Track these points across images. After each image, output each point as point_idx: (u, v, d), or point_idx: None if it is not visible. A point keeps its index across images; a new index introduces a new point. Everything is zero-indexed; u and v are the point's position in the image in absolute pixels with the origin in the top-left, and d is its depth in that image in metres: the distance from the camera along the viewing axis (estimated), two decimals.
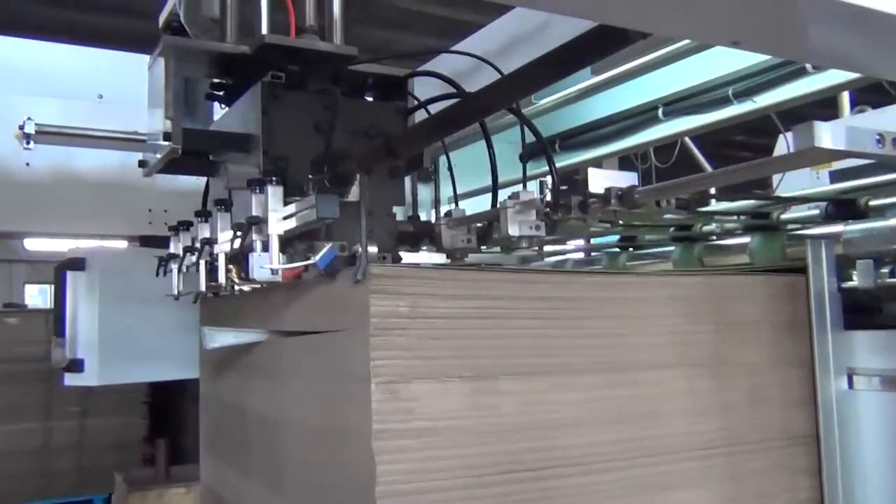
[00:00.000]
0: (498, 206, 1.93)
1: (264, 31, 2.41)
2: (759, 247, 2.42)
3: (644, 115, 3.30)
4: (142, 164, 2.40)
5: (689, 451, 1.94)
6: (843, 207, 2.53)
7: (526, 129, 2.38)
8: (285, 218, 1.78)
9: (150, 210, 3.37)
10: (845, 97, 5.45)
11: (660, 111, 3.23)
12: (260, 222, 1.81)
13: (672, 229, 3.00)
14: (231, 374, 2.53)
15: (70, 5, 6.50)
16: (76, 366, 3.07)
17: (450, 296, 1.71)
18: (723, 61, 2.90)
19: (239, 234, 1.89)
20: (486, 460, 1.71)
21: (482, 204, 3.32)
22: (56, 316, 3.11)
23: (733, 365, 2.03)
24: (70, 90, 3.26)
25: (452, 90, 2.25)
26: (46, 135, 2.88)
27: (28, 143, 2.91)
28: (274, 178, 1.80)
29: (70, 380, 3.10)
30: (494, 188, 2.53)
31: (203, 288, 2.27)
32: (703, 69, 2.99)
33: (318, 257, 1.74)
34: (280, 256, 1.82)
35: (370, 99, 2.35)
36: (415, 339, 1.67)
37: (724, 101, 2.99)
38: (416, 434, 1.65)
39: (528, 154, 3.89)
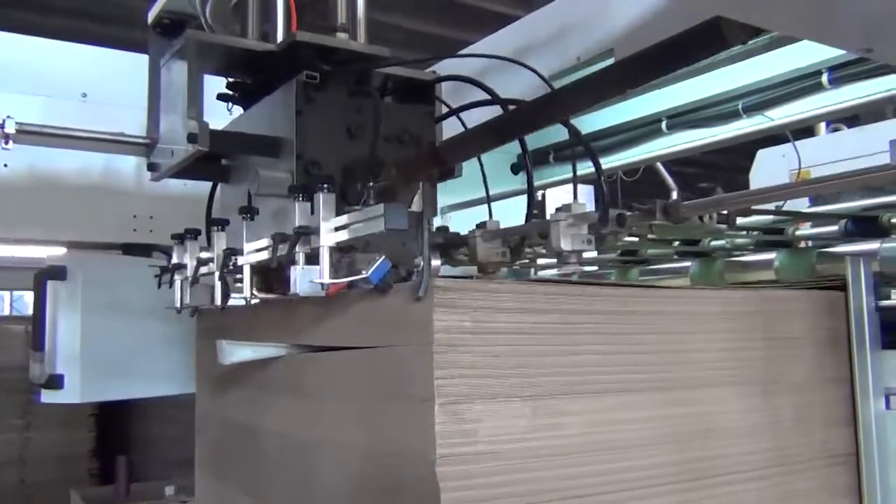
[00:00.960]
0: (549, 217, 1.85)
1: (280, 28, 2.30)
2: (787, 263, 2.40)
3: (647, 128, 3.27)
4: (152, 167, 2.25)
5: (744, 473, 1.89)
6: (863, 224, 2.53)
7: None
8: (337, 229, 1.66)
9: (134, 216, 3.18)
10: None
11: (663, 124, 3.20)
12: (309, 233, 1.69)
13: (676, 243, 2.97)
14: (239, 391, 2.38)
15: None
16: (55, 382, 2.86)
17: (512, 310, 1.62)
18: (733, 74, 2.88)
19: (281, 244, 1.76)
20: (547, 485, 1.62)
21: (469, 216, 3.26)
22: (34, 328, 2.90)
23: (781, 383, 2.00)
24: (52, 88, 3.06)
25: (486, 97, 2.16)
26: (27, 134, 2.67)
27: (6, 142, 2.70)
28: (326, 186, 1.68)
29: (48, 397, 2.89)
30: (487, 201, 2.46)
31: (218, 302, 2.13)
32: (711, 82, 2.96)
33: (370, 271, 1.63)
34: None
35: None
36: (478, 356, 1.58)
37: (733, 116, 2.98)
38: (479, 458, 1.56)
39: (520, 166, 3.87)
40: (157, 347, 3.03)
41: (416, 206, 1.62)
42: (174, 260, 2.39)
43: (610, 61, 2.59)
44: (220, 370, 2.37)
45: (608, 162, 3.48)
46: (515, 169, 3.84)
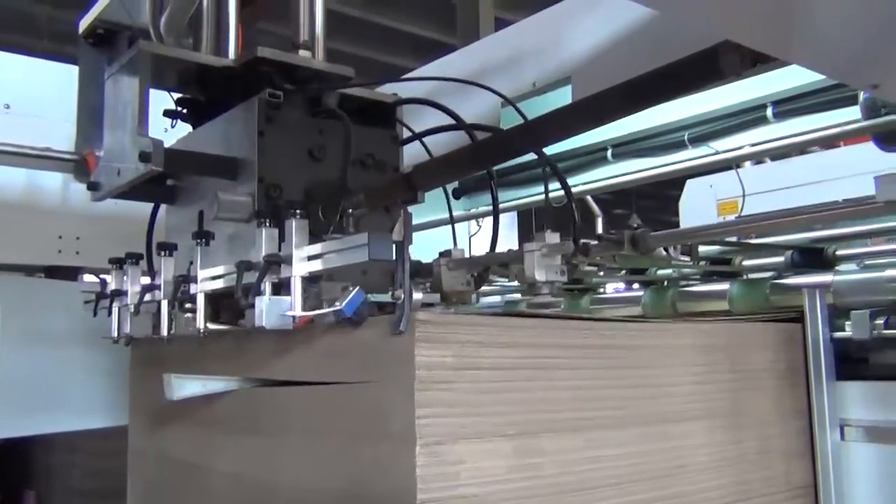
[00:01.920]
0: (524, 248, 1.80)
1: (232, 45, 2.20)
2: (740, 294, 2.42)
3: (591, 156, 3.26)
4: (92, 186, 2.10)
5: None
6: (809, 256, 2.58)
7: None
8: (310, 258, 1.56)
9: (59, 237, 2.98)
10: None
11: (609, 152, 3.20)
12: (280, 262, 1.59)
13: (623, 272, 2.98)
14: (180, 426, 2.24)
15: None
16: None
17: (494, 344, 1.57)
18: (680, 106, 2.91)
19: (246, 272, 1.65)
20: None
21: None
22: None
23: (746, 416, 2.00)
24: None
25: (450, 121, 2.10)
26: None
27: None
28: (298, 212, 1.59)
29: None
30: (452, 228, 2.40)
31: (165, 332, 1.99)
32: (658, 113, 2.98)
33: (344, 303, 1.54)
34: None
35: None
36: (460, 393, 1.52)
37: (679, 146, 3.01)
38: (461, 502, 1.49)
39: (461, 190, 3.82)
40: (82, 378, 2.84)
41: (395, 234, 1.54)
42: (112, 286, 2.23)
43: (567, 88, 2.58)
44: (158, 403, 2.22)
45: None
46: (457, 193, 3.79)
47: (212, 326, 1.94)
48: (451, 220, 2.24)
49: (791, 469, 2.08)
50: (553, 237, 1.84)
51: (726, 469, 1.93)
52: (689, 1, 1.20)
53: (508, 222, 6.01)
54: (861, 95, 2.23)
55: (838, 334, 2.16)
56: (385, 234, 1.44)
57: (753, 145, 2.95)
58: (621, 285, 3.19)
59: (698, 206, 4.77)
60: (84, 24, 2.79)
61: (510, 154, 1.76)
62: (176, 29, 1.91)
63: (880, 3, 1.00)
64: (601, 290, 3.13)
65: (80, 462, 5.25)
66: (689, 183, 4.92)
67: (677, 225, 5.85)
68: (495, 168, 3.45)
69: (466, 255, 2.06)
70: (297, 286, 1.57)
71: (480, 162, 1.69)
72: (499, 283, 3.50)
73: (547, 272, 1.82)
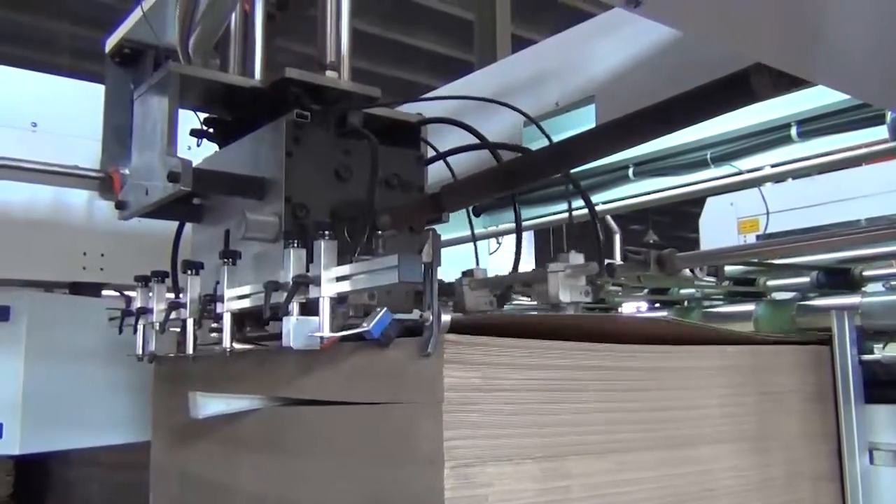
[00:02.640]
0: (546, 267, 1.79)
1: (258, 65, 2.21)
2: (766, 315, 2.40)
3: (613, 174, 3.26)
4: (120, 205, 2.11)
5: None
6: (835, 276, 2.56)
7: None
8: (339, 279, 1.56)
9: (84, 253, 3.00)
10: None
11: (630, 171, 3.20)
12: (309, 282, 1.59)
13: (645, 291, 2.96)
14: (203, 444, 2.24)
15: None
16: None
17: (522, 366, 1.56)
18: (702, 124, 2.90)
19: (275, 292, 1.66)
20: None
21: None
22: None
23: (773, 438, 1.98)
24: (0, 116, 2.88)
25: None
26: None
27: None
28: (328, 233, 1.59)
29: None
30: (475, 248, 2.40)
31: (191, 350, 2.00)
32: (680, 131, 2.97)
33: (372, 324, 1.54)
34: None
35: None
36: (488, 414, 1.50)
37: (701, 165, 3.00)
38: None
39: (482, 208, 3.82)
40: (105, 394, 2.85)
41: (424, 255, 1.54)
42: (137, 303, 2.24)
43: (591, 107, 2.58)
44: (182, 421, 2.22)
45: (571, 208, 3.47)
46: (477, 211, 3.79)
47: (237, 346, 1.95)
48: (474, 239, 2.23)
49: (819, 493, 2.06)
50: (577, 258, 1.84)
51: (754, 493, 1.91)
52: (715, 23, 1.20)
53: (526, 241, 5.99)
54: (889, 115, 2.21)
55: (867, 357, 2.14)
56: (415, 257, 1.44)
57: (775, 166, 2.94)
58: (643, 305, 3.18)
59: (718, 223, 4.75)
60: (111, 43, 2.82)
61: (539, 176, 1.76)
62: (204, 49, 1.93)
63: None
64: (619, 310, 3.12)
65: (100, 476, 5.27)
66: (710, 201, 4.91)
67: (694, 241, 5.84)
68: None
69: (489, 275, 2.06)
70: (325, 307, 1.57)
71: (509, 184, 1.69)
72: (517, 302, 3.52)
73: (571, 293, 1.82)
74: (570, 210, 2.33)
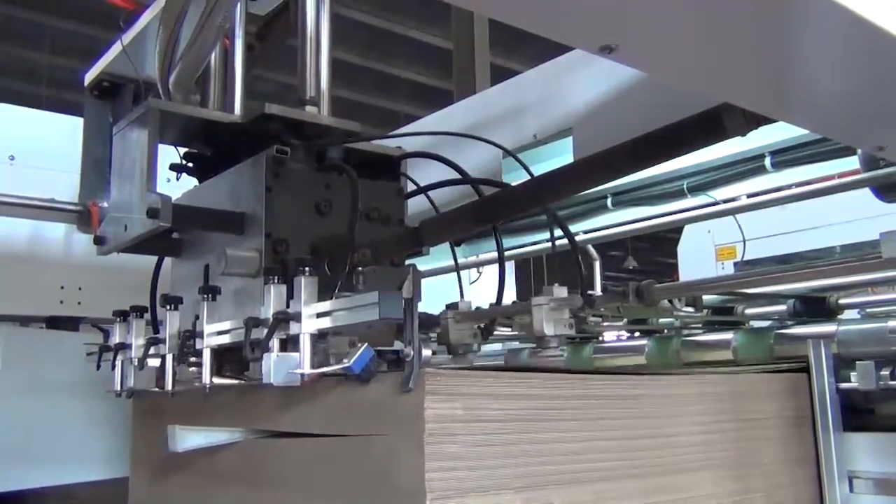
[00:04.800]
0: (531, 301, 1.81)
1: (238, 100, 2.23)
2: (744, 343, 2.42)
3: (591, 204, 3.29)
4: (98, 240, 2.11)
5: None
6: (811, 304, 2.60)
7: None
8: (319, 315, 1.57)
9: (62, 287, 2.98)
10: None
11: (608, 200, 3.23)
12: (289, 318, 1.59)
13: (625, 321, 2.98)
14: (182, 478, 2.22)
15: None
16: None
17: (503, 396, 1.57)
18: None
19: (256, 328, 1.66)
20: None
21: None
22: None
23: (753, 465, 1.99)
24: None
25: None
26: None
27: None
28: (307, 269, 1.60)
29: None
30: (458, 280, 2.40)
31: (169, 387, 1.99)
32: None
33: (352, 360, 1.55)
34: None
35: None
36: (469, 446, 1.51)
37: (678, 195, 3.04)
38: None
39: (463, 238, 3.83)
40: (83, 429, 2.81)
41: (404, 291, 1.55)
42: (116, 339, 2.23)
43: (569, 139, 2.61)
44: (160, 455, 2.21)
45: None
46: (458, 241, 3.80)
47: (217, 381, 1.94)
48: (458, 270, 2.24)
49: None
50: (561, 291, 1.86)
51: None
52: (687, 69, 1.23)
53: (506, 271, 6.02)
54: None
55: (844, 385, 2.16)
56: (395, 293, 1.45)
57: (751, 196, 2.98)
58: (623, 334, 3.20)
59: (696, 251, 4.80)
60: (90, 77, 2.83)
61: (516, 210, 1.78)
62: (185, 85, 1.94)
63: (882, 69, 1.02)
64: (601, 338, 3.13)
65: None
66: (687, 228, 4.96)
67: (673, 266, 5.89)
68: None
69: (471, 304, 2.07)
70: (305, 343, 1.57)
71: (487, 218, 1.71)
72: (500, 332, 3.52)
73: (555, 326, 1.83)
74: (552, 240, 2.35)
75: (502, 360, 3.18)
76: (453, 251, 2.33)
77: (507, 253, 3.56)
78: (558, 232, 3.13)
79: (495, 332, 3.01)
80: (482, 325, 2.07)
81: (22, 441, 2.73)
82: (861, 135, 1.28)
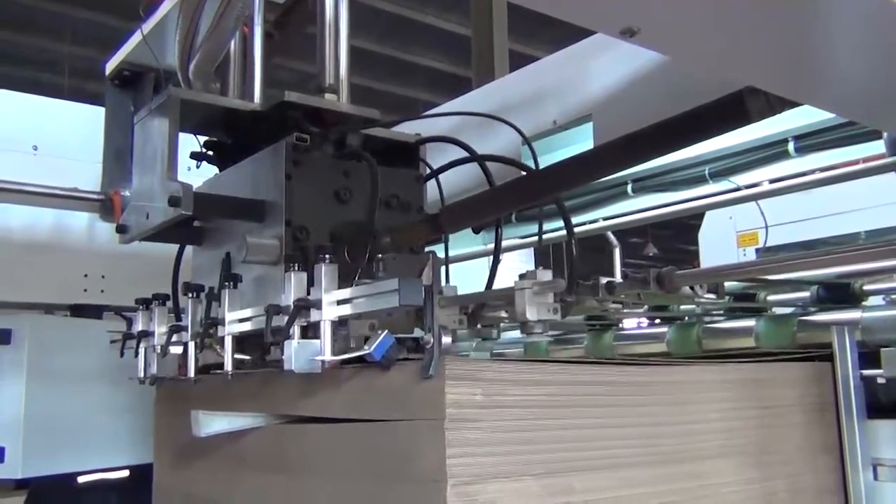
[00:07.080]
0: (514, 285, 1.78)
1: (258, 88, 2.23)
2: (767, 330, 2.40)
3: (611, 191, 3.27)
4: (120, 229, 2.12)
5: None
6: (835, 291, 2.56)
7: None
8: (340, 302, 1.57)
9: (85, 276, 3.01)
10: None
11: (629, 187, 3.20)
12: (309, 306, 1.60)
13: (645, 308, 2.96)
14: (205, 463, 2.24)
15: None
16: None
17: (523, 382, 1.57)
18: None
19: (277, 315, 1.67)
20: None
21: None
22: None
23: (775, 452, 1.98)
24: (1, 140, 2.90)
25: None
26: None
27: None
28: (328, 256, 1.60)
29: None
30: (446, 264, 2.38)
31: (192, 374, 2.01)
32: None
33: (373, 347, 1.55)
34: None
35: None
36: (489, 432, 1.51)
37: (699, 181, 3.01)
38: None
39: (481, 226, 3.82)
40: (108, 416, 2.85)
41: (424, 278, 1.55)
42: (139, 326, 2.25)
43: (589, 125, 2.60)
44: (183, 440, 2.23)
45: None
46: (476, 228, 3.79)
47: (243, 370, 1.96)
48: (447, 256, 2.21)
49: None
50: (545, 274, 1.81)
51: None
52: (709, 52, 1.21)
53: (525, 256, 6.05)
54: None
55: (868, 372, 2.14)
56: (415, 280, 1.45)
57: (773, 181, 2.95)
58: (644, 321, 3.18)
59: (717, 237, 4.76)
60: (111, 66, 2.84)
61: (538, 196, 1.77)
62: (205, 73, 1.95)
63: None
64: (621, 326, 3.12)
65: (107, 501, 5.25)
66: (709, 214, 4.92)
67: (693, 253, 5.84)
68: None
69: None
70: (326, 330, 1.58)
71: (509, 204, 1.70)
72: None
73: (539, 310, 1.78)
74: (568, 227, 2.32)
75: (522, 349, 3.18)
76: (497, 235, 2.30)
77: (521, 241, 3.56)
78: (577, 218, 3.12)
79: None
80: (469, 312, 2.04)
81: (48, 428, 2.77)
82: (887, 118, 1.26)
